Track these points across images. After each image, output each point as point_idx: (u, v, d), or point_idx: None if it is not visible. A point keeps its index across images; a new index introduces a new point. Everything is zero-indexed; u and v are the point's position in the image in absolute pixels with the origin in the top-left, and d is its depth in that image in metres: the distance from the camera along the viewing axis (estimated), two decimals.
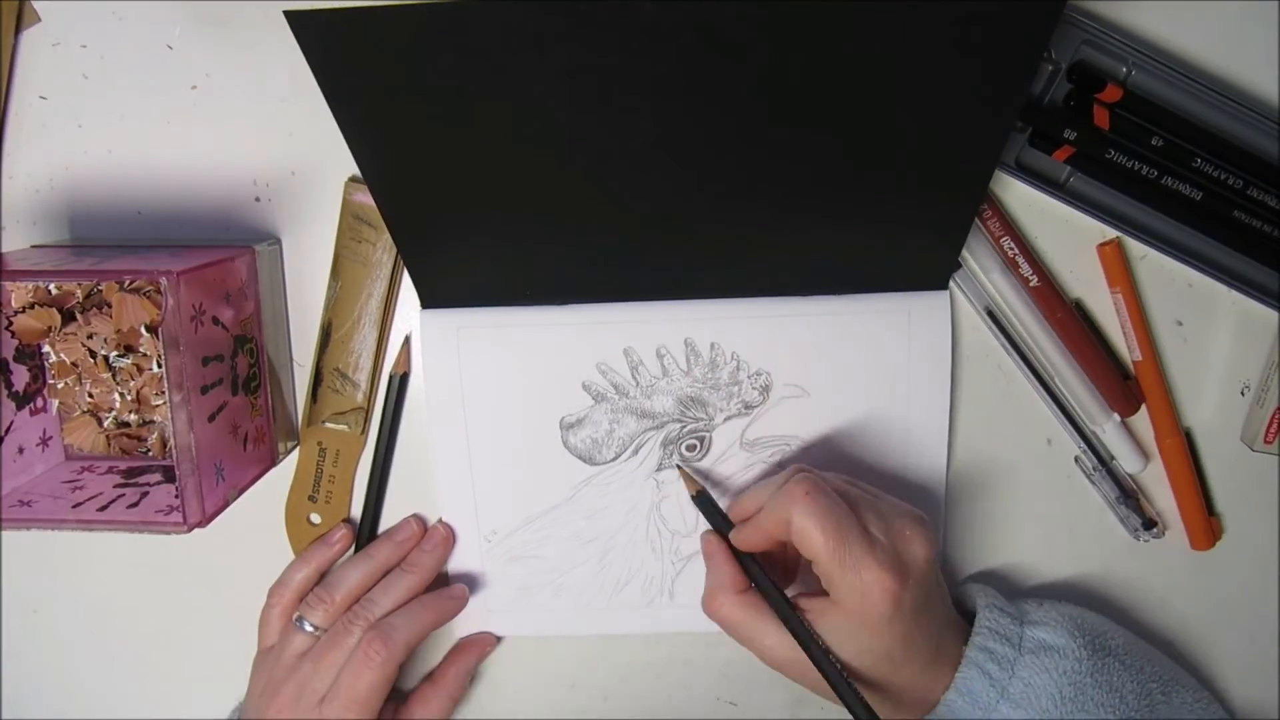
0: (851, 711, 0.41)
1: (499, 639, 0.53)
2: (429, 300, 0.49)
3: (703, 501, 0.47)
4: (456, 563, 0.52)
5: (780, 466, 0.50)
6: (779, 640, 0.43)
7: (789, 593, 0.44)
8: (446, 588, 0.51)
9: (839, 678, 0.41)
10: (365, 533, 0.52)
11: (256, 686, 0.49)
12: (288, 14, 0.37)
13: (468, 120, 0.41)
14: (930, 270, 0.48)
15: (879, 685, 0.42)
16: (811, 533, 0.40)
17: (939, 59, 0.39)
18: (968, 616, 0.46)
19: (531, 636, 0.53)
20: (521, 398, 0.50)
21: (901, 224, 0.46)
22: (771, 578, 0.44)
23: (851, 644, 0.41)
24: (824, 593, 0.42)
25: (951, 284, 0.49)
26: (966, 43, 0.38)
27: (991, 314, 0.49)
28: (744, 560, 0.45)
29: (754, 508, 0.44)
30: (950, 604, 0.46)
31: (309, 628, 0.48)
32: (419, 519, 0.52)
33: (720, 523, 0.46)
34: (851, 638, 0.41)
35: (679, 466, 0.50)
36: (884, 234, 0.46)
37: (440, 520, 0.51)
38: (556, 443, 0.50)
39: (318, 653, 0.47)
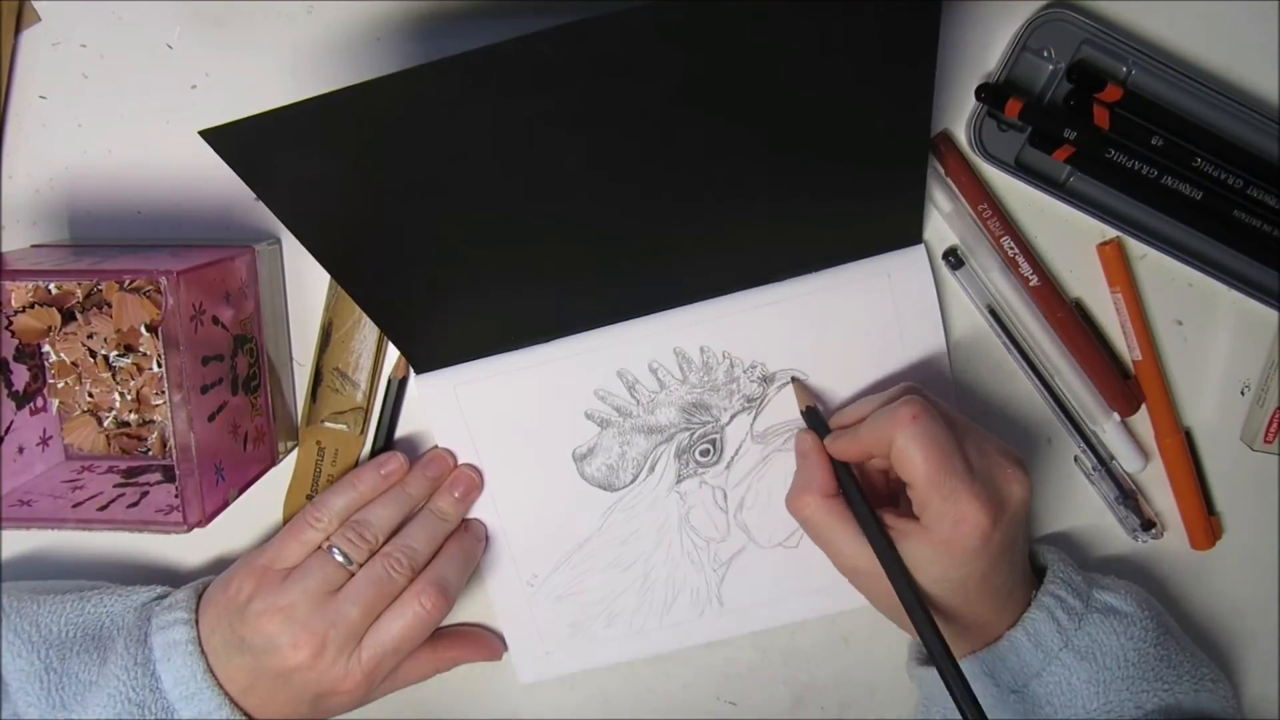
0: (920, 633, 0.41)
1: (505, 651, 0.53)
2: (421, 366, 0.49)
3: (810, 415, 0.47)
4: (505, 610, 0.52)
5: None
6: (855, 549, 0.43)
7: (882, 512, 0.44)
8: (469, 529, 0.50)
9: (914, 599, 0.41)
10: None
11: (269, 607, 0.44)
12: (203, 133, 0.36)
13: (407, 194, 0.41)
14: (900, 229, 0.48)
15: (949, 615, 0.42)
16: (914, 457, 0.40)
17: (842, 36, 0.38)
18: (1038, 574, 0.46)
19: (597, 669, 0.53)
20: (531, 439, 0.50)
21: (859, 191, 0.46)
22: (864, 491, 0.44)
23: (932, 570, 0.41)
24: (913, 517, 0.42)
25: (952, 280, 0.49)
26: (864, 18, 0.38)
27: (994, 311, 0.49)
28: (838, 467, 0.45)
29: (855, 419, 0.44)
30: (1027, 555, 0.46)
31: (340, 558, 0.45)
32: (450, 452, 0.50)
33: (822, 431, 0.46)
34: (933, 564, 0.41)
35: (794, 379, 0.49)
36: (846, 205, 0.46)
37: (466, 464, 0.50)
38: (573, 476, 0.50)
39: (357, 593, 0.44)
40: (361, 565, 0.46)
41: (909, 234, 0.48)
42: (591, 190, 0.43)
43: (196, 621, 0.45)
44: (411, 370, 0.50)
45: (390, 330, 0.48)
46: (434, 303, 0.46)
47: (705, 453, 0.50)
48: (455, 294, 0.46)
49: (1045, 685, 0.43)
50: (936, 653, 0.40)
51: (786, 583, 0.51)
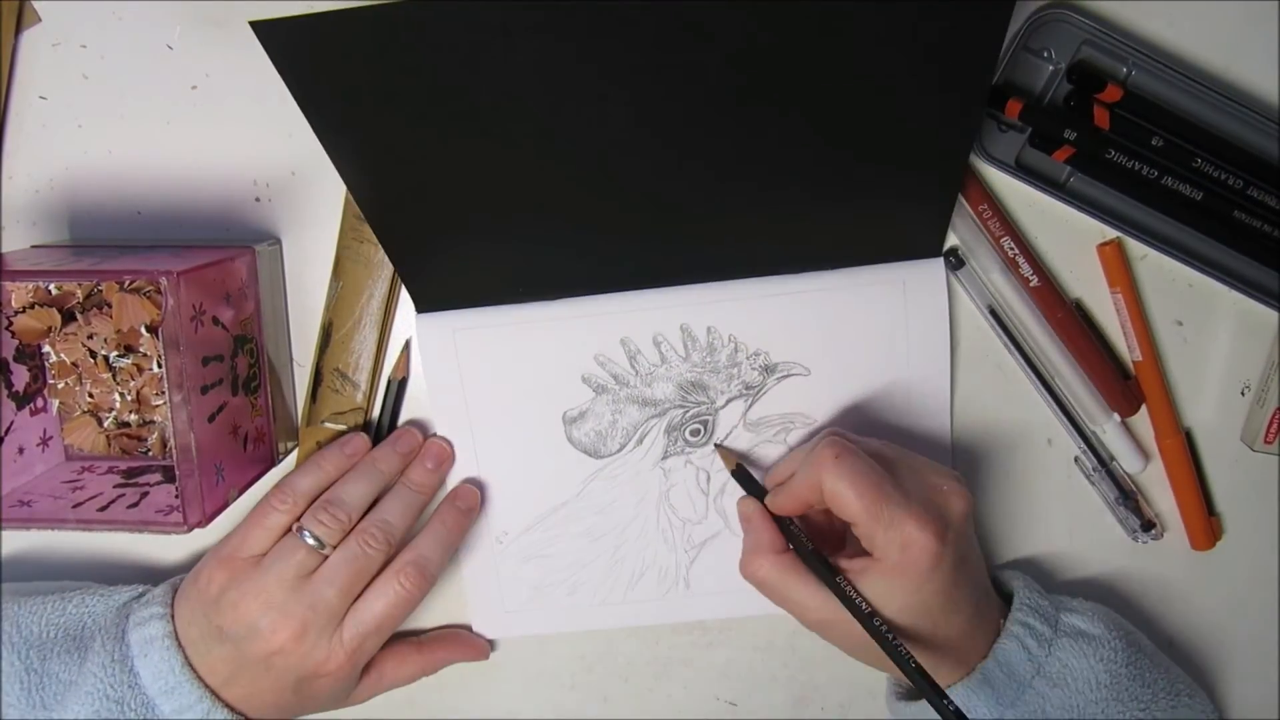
0: (899, 666, 0.40)
1: (491, 651, 0.53)
2: (424, 304, 0.49)
3: (740, 475, 0.48)
4: (470, 563, 0.52)
5: (789, 443, 0.50)
6: (817, 601, 0.43)
7: (834, 558, 0.44)
8: (455, 497, 0.50)
9: (881, 633, 0.41)
10: None
11: (244, 595, 0.44)
12: (254, 25, 0.36)
13: (445, 120, 0.41)
14: (922, 239, 0.48)
15: (922, 640, 0.42)
16: (845, 494, 0.41)
17: (907, 31, 0.39)
18: (1004, 600, 0.46)
19: (550, 635, 0.53)
20: (523, 395, 0.50)
21: (887, 195, 0.46)
22: (812, 540, 0.44)
23: (893, 601, 0.41)
24: (863, 554, 0.42)
25: (953, 280, 0.49)
26: (932, 15, 0.38)
27: (994, 312, 0.49)
28: (782, 523, 0.45)
29: (787, 474, 0.45)
30: (986, 569, 0.46)
31: (311, 540, 0.44)
32: (420, 428, 0.51)
33: (757, 491, 0.47)
34: (893, 594, 0.41)
35: (717, 446, 0.50)
36: (871, 206, 0.46)
37: (434, 434, 0.51)
38: (561, 438, 0.50)
39: (333, 573, 0.44)
40: (336, 546, 0.45)
41: (929, 246, 0.48)
42: (629, 151, 0.43)
43: (173, 616, 0.45)
44: (413, 308, 0.49)
45: (399, 261, 0.47)
46: (449, 239, 0.46)
47: (696, 433, 0.50)
48: (472, 233, 0.46)
49: (1020, 715, 0.43)
50: (920, 683, 0.40)
51: None
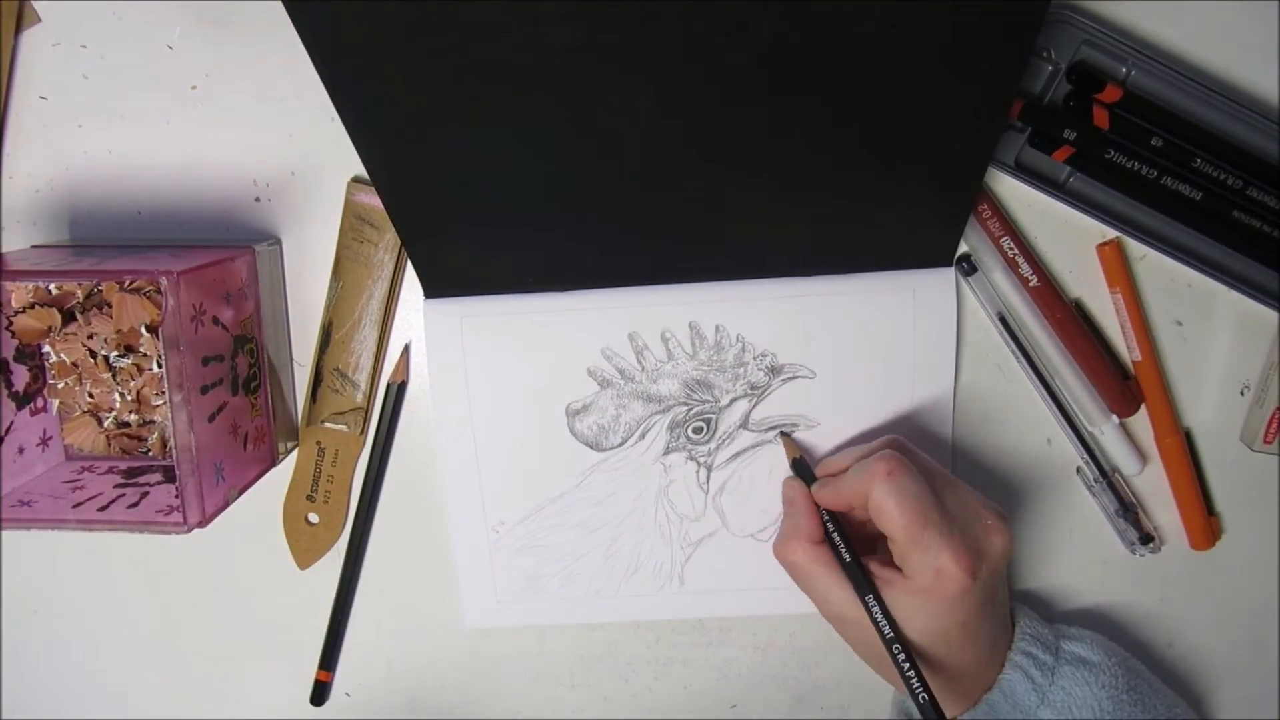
0: (907, 689, 0.41)
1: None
2: (432, 290, 0.49)
3: (799, 466, 0.48)
4: (464, 552, 0.52)
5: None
6: (842, 597, 0.43)
7: (867, 559, 0.44)
8: None
9: (895, 655, 0.41)
10: (357, 538, 0.52)
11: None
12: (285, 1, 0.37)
13: (466, 103, 0.41)
14: (934, 247, 0.48)
15: (934, 666, 0.42)
16: (890, 511, 0.41)
17: (937, 34, 0.39)
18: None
19: (541, 626, 0.53)
20: (527, 385, 0.50)
21: (903, 201, 0.46)
22: (848, 537, 0.44)
23: (915, 621, 0.41)
24: (895, 566, 0.42)
25: (963, 285, 0.49)
26: (963, 21, 0.38)
27: (1004, 319, 0.49)
28: (825, 515, 0.45)
29: (839, 468, 0.45)
30: (1009, 604, 0.46)
31: None
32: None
33: (808, 479, 0.47)
34: (915, 615, 0.41)
35: (781, 433, 0.50)
36: (886, 211, 0.46)
37: None
38: (563, 430, 0.50)
39: None
40: None
41: (941, 255, 0.48)
42: (650, 146, 0.43)
43: None
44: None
45: (411, 243, 0.47)
46: (461, 224, 0.46)
47: (698, 430, 0.50)
48: (485, 220, 0.46)
49: None
50: (924, 706, 0.40)
51: (750, 575, 0.51)
